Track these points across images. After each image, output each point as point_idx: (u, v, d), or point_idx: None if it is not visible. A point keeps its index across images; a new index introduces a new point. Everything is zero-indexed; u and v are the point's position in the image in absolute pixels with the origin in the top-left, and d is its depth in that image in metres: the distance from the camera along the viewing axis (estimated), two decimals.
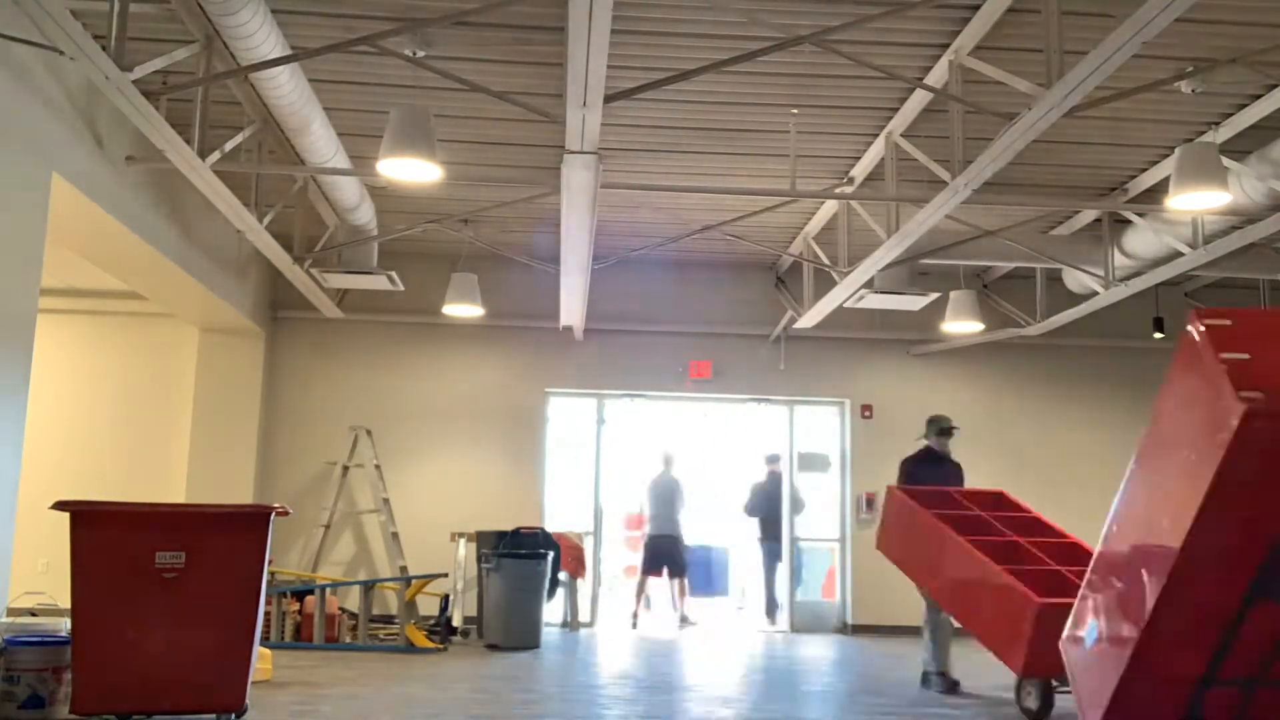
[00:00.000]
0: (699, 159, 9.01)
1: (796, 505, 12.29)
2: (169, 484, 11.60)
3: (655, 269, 12.24)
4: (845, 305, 10.34)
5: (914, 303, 10.13)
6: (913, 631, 11.79)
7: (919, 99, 7.66)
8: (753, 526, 12.63)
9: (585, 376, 12.10)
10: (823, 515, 12.32)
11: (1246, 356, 3.95)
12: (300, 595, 9.58)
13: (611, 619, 12.15)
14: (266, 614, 9.29)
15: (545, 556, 9.78)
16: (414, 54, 7.02)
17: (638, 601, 12.13)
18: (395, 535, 11.41)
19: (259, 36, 6.09)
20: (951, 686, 7.32)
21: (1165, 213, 8.82)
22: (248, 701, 4.88)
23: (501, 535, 10.14)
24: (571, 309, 10.67)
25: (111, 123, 7.42)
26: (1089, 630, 4.68)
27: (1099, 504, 12.25)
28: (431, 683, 7.21)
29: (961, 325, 10.73)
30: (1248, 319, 4.10)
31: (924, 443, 8.20)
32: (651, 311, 12.23)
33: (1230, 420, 3.83)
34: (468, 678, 7.52)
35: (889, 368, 12.34)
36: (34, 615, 6.55)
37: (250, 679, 4.89)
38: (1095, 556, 4.76)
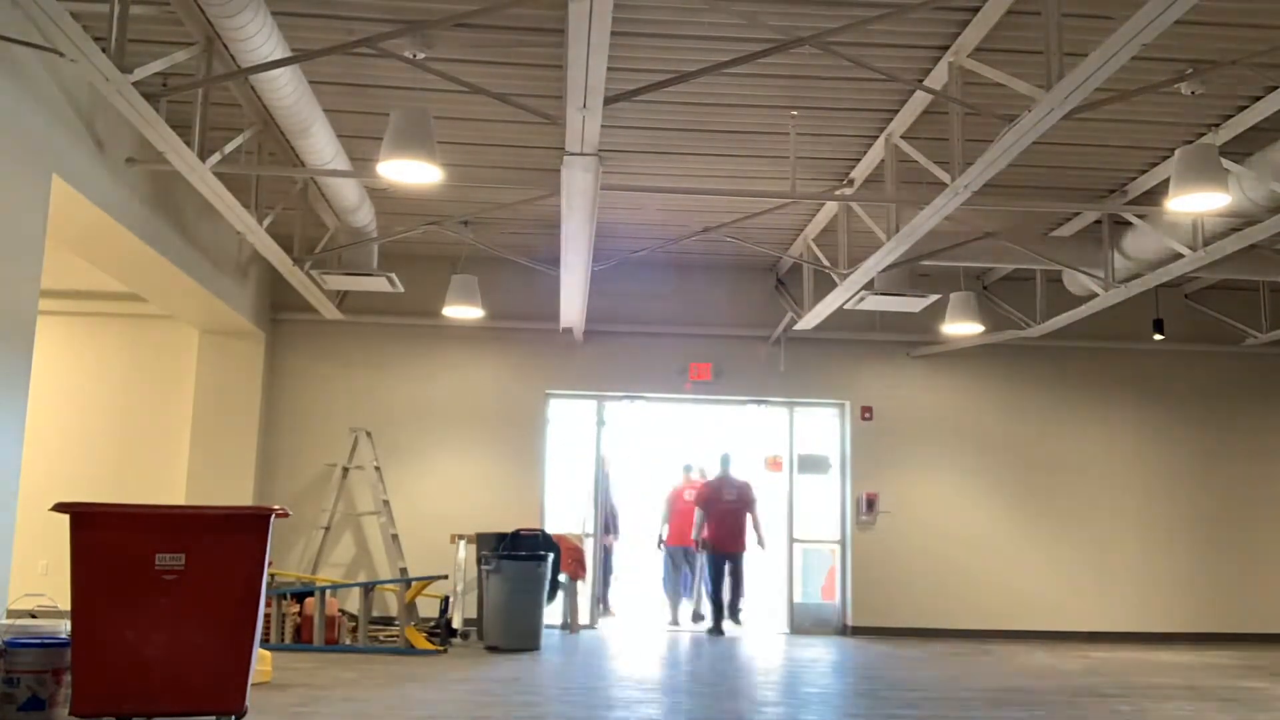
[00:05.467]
0: (699, 161, 9.01)
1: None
2: (169, 486, 11.60)
3: (655, 271, 12.24)
4: (845, 307, 10.34)
5: (914, 304, 10.13)
6: (912, 633, 11.80)
7: (919, 101, 7.67)
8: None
9: (585, 378, 12.10)
10: (823, 517, 12.32)
11: None
12: (300, 597, 9.58)
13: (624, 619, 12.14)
14: (266, 616, 9.29)
15: (545, 558, 9.78)
16: (414, 56, 7.02)
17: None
18: (395, 537, 11.41)
19: (259, 38, 6.09)
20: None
21: (1165, 214, 8.83)
22: (248, 703, 4.87)
23: (501, 537, 10.14)
24: (571, 311, 10.67)
25: (111, 124, 7.43)
26: None
27: (1099, 504, 12.28)
28: (431, 685, 7.21)
29: (961, 327, 10.73)
30: None
31: None
32: (651, 313, 12.23)
33: None
34: (468, 680, 7.52)
35: (889, 369, 12.34)
36: (34, 617, 6.55)
37: (250, 681, 4.88)
38: None
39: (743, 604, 11.85)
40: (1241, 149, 8.30)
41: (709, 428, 13.09)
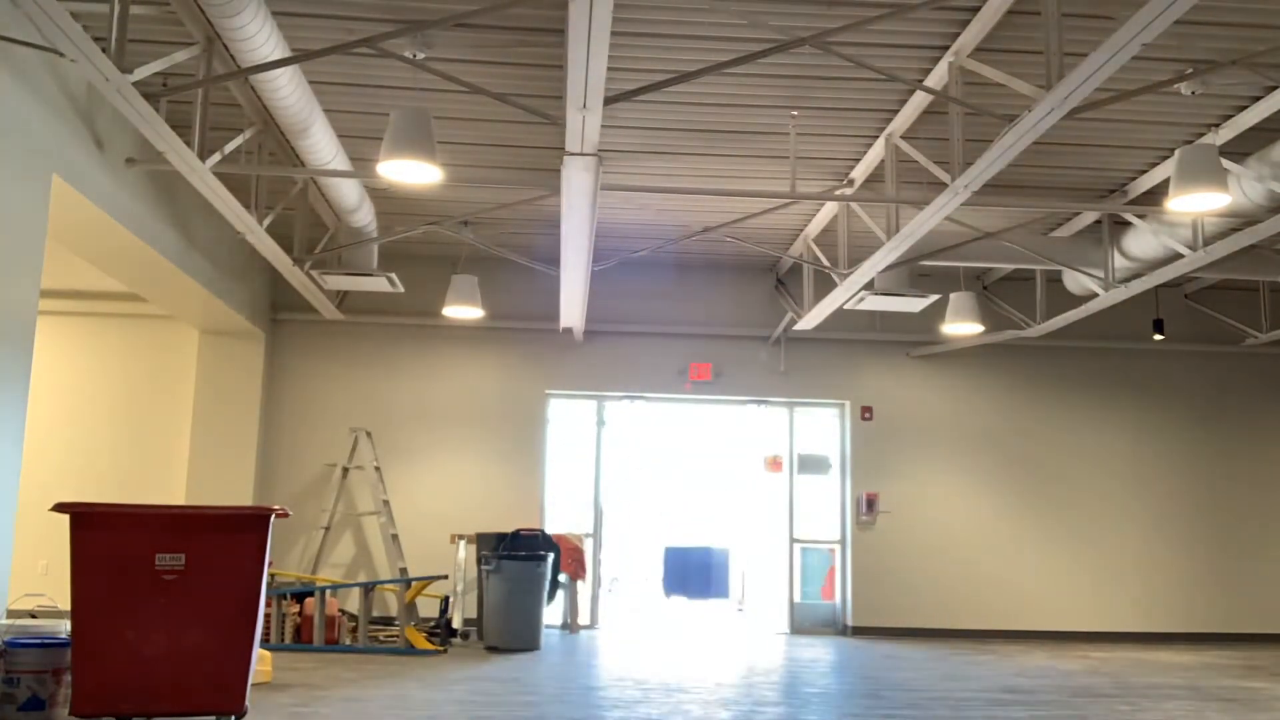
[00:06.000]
0: (699, 161, 9.01)
1: None
2: (169, 486, 11.60)
3: (655, 271, 12.24)
4: (845, 307, 10.34)
5: (914, 304, 10.13)
6: (912, 634, 11.80)
7: (919, 101, 7.67)
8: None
9: (585, 378, 12.10)
10: (823, 517, 12.32)
11: None
12: (300, 597, 9.58)
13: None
14: (266, 616, 9.29)
15: (545, 558, 9.78)
16: (414, 56, 7.03)
17: None
18: (395, 537, 11.41)
19: (259, 38, 6.10)
20: None
21: (1165, 214, 8.83)
22: (248, 703, 4.87)
23: (501, 537, 10.14)
24: (571, 311, 10.67)
25: (112, 124, 7.43)
26: None
27: (1099, 504, 12.28)
28: (431, 685, 7.21)
29: (961, 327, 10.73)
30: None
31: None
32: (651, 313, 12.23)
33: None
34: (467, 680, 7.52)
35: (889, 370, 12.34)
36: (34, 617, 6.55)
37: (250, 681, 4.88)
38: None
39: None
40: (1241, 149, 8.30)
41: (709, 428, 13.11)
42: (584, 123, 6.05)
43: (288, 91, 6.81)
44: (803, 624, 12.07)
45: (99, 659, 4.70)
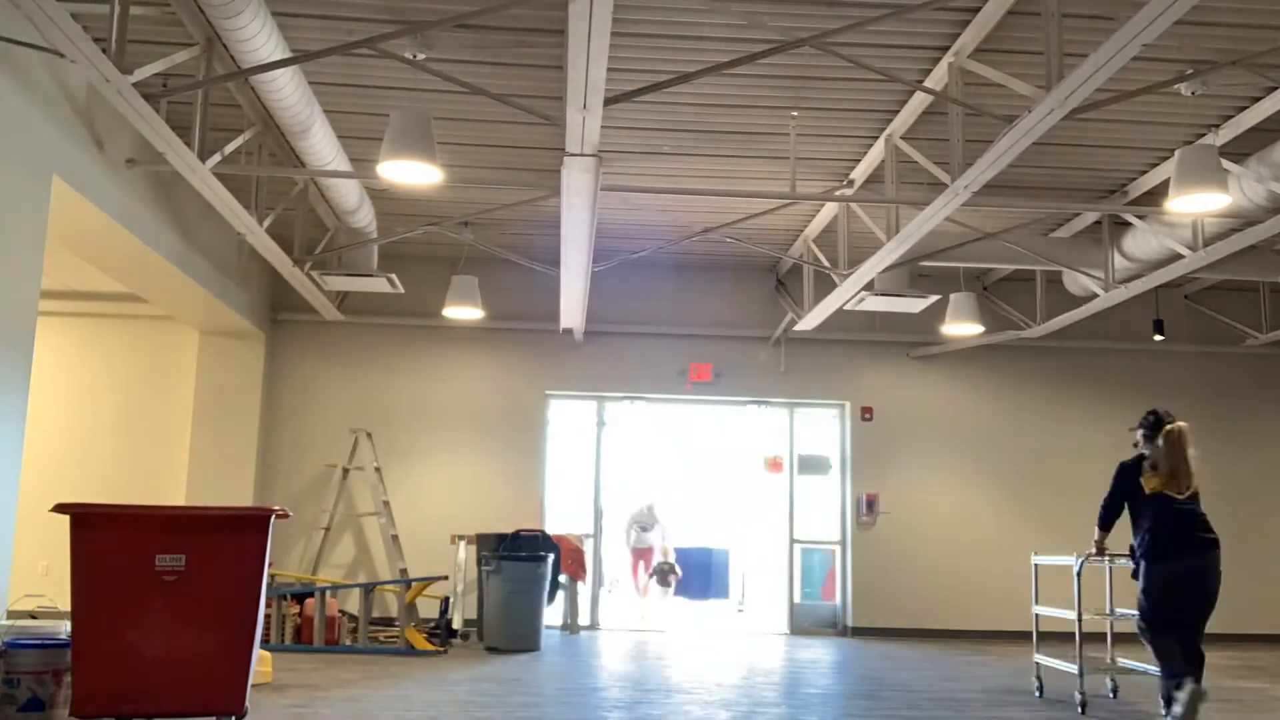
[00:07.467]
0: (699, 161, 9.01)
1: None
2: (169, 486, 11.60)
3: (655, 271, 12.24)
4: (845, 307, 10.34)
5: (914, 305, 10.13)
6: (912, 634, 11.80)
7: (919, 101, 7.67)
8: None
9: (585, 379, 12.10)
10: (823, 517, 12.32)
11: None
12: (300, 598, 9.57)
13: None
14: (266, 617, 9.29)
15: (545, 559, 9.78)
16: (414, 57, 7.02)
17: None
18: (395, 538, 11.40)
19: (259, 39, 6.09)
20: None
21: (1165, 215, 8.82)
22: (248, 704, 4.87)
23: (501, 538, 10.14)
24: (572, 311, 10.67)
25: (112, 125, 7.42)
26: None
27: (1099, 504, 12.25)
28: (431, 685, 7.20)
29: (961, 327, 10.72)
30: None
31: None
32: (651, 314, 12.23)
33: None
34: (468, 680, 7.52)
35: (889, 370, 12.34)
36: (34, 618, 6.54)
37: (250, 682, 4.88)
38: None
39: None
40: (1241, 149, 8.29)
41: (709, 429, 13.11)
42: (584, 123, 6.05)
43: (288, 92, 6.81)
44: (803, 624, 12.06)
45: (99, 660, 4.69)
